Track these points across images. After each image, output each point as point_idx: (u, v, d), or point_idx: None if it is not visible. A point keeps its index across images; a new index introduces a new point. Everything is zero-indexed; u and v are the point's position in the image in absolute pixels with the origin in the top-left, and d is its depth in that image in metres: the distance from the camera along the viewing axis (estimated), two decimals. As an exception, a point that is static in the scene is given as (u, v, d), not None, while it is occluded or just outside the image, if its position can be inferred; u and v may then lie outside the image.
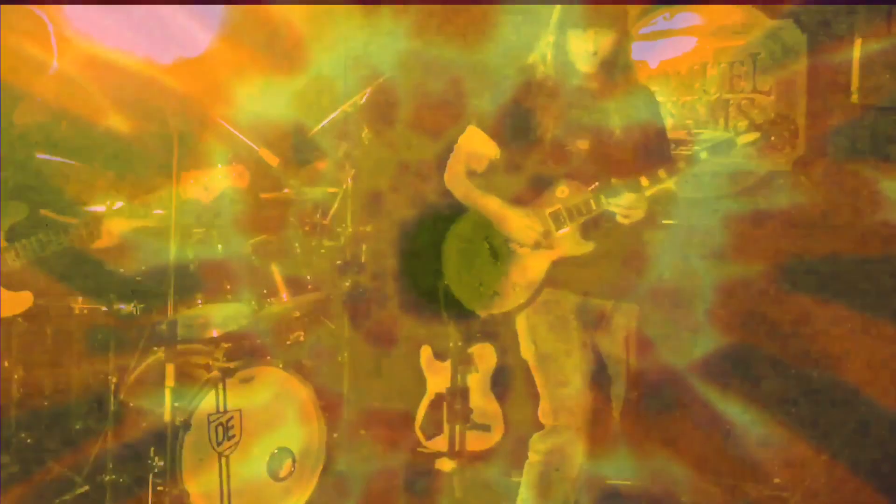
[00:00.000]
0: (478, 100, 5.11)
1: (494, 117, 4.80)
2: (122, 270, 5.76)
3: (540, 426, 4.77)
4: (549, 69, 4.67)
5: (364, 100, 6.48)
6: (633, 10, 6.60)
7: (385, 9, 7.40)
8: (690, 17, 6.67)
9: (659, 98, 5.14)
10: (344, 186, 6.54)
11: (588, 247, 4.65)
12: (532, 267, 4.71)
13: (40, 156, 5.38)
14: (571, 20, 4.56)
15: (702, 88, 6.66)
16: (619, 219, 4.57)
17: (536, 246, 4.64)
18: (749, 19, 6.45)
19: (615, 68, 4.65)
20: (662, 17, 6.73)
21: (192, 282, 5.58)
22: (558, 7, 4.63)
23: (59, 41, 5.33)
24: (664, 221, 6.06)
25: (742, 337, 6.42)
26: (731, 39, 6.53)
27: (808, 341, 6.32)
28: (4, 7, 5.14)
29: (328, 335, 6.68)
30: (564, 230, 4.64)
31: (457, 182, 4.89)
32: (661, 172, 4.54)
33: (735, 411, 6.24)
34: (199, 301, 5.63)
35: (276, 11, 6.97)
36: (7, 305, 5.11)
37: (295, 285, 5.87)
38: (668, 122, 6.56)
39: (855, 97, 6.22)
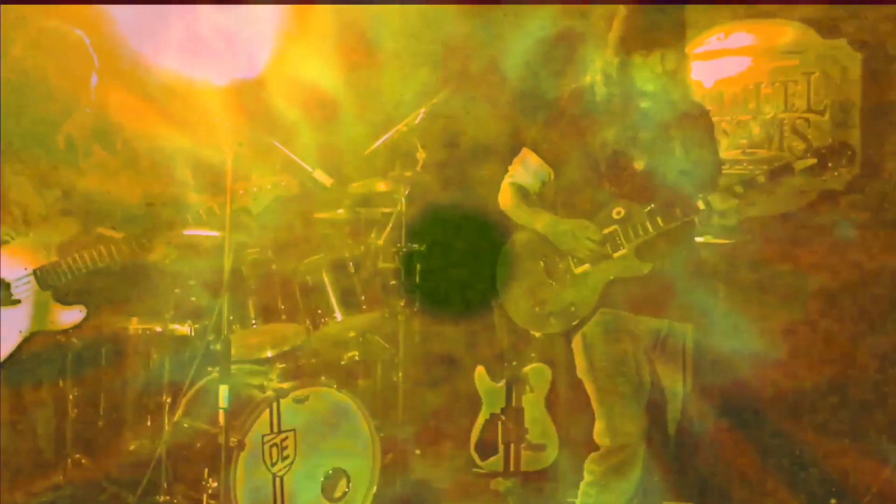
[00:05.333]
0: (533, 120, 5.08)
1: (549, 138, 4.80)
2: (177, 291, 5.81)
3: (595, 446, 4.75)
4: (613, 89, 4.65)
5: (419, 120, 6.49)
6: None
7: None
8: (744, 36, 6.65)
9: (713, 118, 5.12)
10: (398, 206, 6.54)
11: (645, 268, 4.63)
12: (587, 287, 4.69)
13: None
14: (634, 41, 4.56)
15: (756, 108, 6.62)
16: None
17: (595, 257, 4.62)
18: (803, 39, 6.41)
19: (675, 89, 4.64)
20: (716, 38, 6.71)
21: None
22: (616, 27, 4.63)
23: (111, 60, 5.41)
24: (721, 241, 6.03)
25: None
26: (785, 59, 6.50)
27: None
28: (40, 26, 5.21)
29: (383, 355, 6.67)
30: (621, 251, 4.62)
31: (511, 203, 4.89)
32: (718, 197, 4.50)
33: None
34: (254, 321, 5.66)
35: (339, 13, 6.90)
36: (59, 320, 5.15)
37: (349, 305, 5.87)
38: (724, 142, 6.58)
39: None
